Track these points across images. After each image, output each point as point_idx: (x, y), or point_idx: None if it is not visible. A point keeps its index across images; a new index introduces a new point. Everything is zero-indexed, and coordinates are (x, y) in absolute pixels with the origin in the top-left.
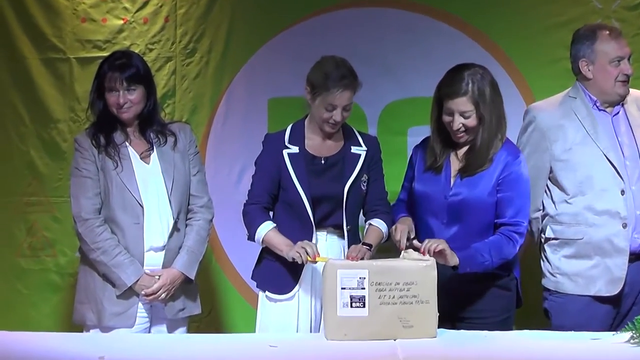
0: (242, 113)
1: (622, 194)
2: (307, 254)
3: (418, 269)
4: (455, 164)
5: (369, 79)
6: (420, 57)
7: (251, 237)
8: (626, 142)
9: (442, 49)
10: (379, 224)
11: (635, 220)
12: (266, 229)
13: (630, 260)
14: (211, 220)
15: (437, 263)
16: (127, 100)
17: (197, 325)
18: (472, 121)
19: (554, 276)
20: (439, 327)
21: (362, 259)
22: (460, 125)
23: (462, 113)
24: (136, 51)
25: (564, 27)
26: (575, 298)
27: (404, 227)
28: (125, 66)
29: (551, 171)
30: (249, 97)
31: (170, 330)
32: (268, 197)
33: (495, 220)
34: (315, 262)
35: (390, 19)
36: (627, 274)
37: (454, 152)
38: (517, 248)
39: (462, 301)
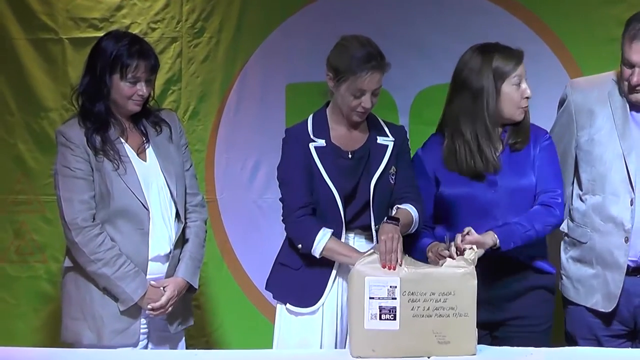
0: (256, 100)
1: (631, 204)
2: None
3: (456, 277)
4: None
5: (399, 62)
6: (456, 37)
7: (307, 248)
8: None
9: (481, 28)
10: (408, 207)
11: None
12: (326, 237)
13: (628, 274)
14: (207, 220)
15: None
16: (146, 92)
17: (205, 340)
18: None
19: (561, 277)
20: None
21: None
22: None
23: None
24: (136, 31)
25: (622, 2)
26: (575, 307)
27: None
28: (148, 53)
29: (575, 159)
30: (265, 83)
31: (172, 345)
32: (311, 198)
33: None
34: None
35: None
36: (622, 287)
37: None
38: (559, 216)
39: (502, 304)
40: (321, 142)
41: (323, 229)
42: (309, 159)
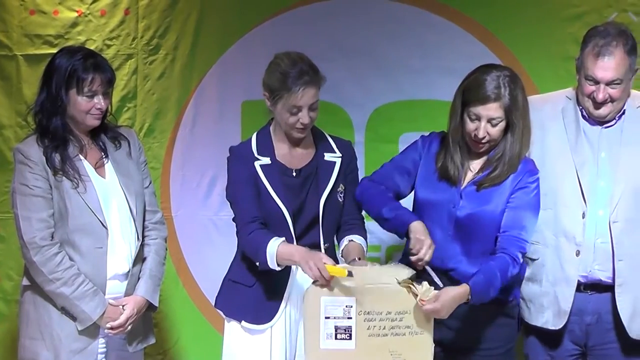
0: (212, 118)
1: (583, 217)
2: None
3: (411, 296)
4: (468, 174)
5: (356, 79)
6: (414, 54)
7: (263, 263)
8: (607, 160)
9: (437, 45)
10: (360, 240)
11: (595, 250)
12: (274, 246)
13: (579, 291)
14: (166, 238)
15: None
16: (104, 105)
17: (161, 357)
18: (498, 130)
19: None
20: None
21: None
22: (486, 133)
23: (491, 120)
24: (92, 47)
25: (578, 20)
26: (529, 327)
27: (431, 243)
28: (104, 67)
29: None
30: (221, 100)
31: None
32: (260, 213)
33: (499, 234)
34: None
35: (380, 10)
36: (572, 304)
37: (468, 162)
38: (519, 271)
39: (464, 330)
40: (266, 160)
41: (274, 238)
42: (254, 177)
